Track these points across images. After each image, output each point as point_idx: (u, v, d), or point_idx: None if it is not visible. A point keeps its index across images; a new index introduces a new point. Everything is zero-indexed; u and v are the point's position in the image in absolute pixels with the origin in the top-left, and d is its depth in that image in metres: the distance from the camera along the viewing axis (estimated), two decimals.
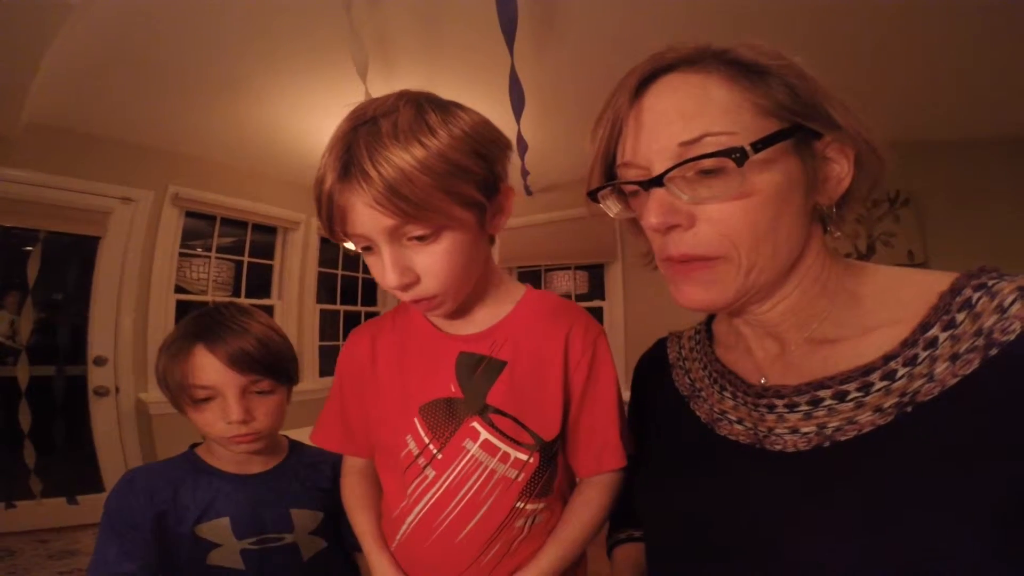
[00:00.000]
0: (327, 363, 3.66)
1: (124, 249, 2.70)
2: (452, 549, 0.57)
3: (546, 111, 2.34)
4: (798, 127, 0.42)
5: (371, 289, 4.19)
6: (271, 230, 3.46)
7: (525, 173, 3.00)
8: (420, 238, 0.52)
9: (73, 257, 2.67)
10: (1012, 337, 0.36)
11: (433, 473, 0.58)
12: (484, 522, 0.57)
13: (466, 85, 2.22)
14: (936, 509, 0.34)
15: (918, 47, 1.89)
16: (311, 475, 0.83)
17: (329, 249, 3.76)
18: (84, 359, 2.60)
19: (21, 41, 1.68)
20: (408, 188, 0.48)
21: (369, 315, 4.07)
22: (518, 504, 0.58)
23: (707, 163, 0.42)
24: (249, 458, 0.79)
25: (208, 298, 3.05)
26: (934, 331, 0.40)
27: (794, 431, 0.44)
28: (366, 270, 4.08)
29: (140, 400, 2.68)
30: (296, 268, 3.52)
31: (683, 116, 0.43)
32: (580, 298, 3.69)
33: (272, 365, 0.76)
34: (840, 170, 0.45)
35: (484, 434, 0.58)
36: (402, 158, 0.48)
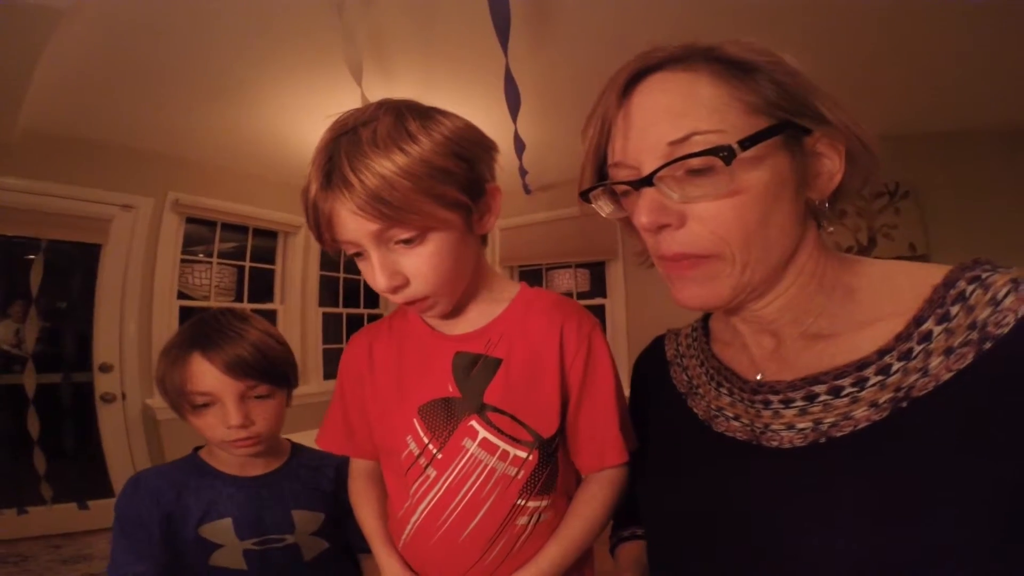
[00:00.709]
0: (331, 366, 3.66)
1: (126, 256, 2.71)
2: (456, 547, 0.58)
3: (543, 109, 2.33)
4: (787, 123, 0.42)
5: (373, 291, 4.17)
6: (272, 234, 3.47)
7: (524, 172, 2.99)
8: (406, 241, 0.54)
9: (76, 265, 2.68)
10: (1006, 330, 0.36)
11: (434, 473, 0.59)
12: (486, 520, 0.58)
13: (462, 85, 2.21)
14: (933, 505, 0.34)
15: (919, 38, 1.88)
16: (312, 477, 0.84)
17: None
18: (90, 366, 2.62)
19: (12, 48, 1.68)
20: (389, 193, 0.50)
21: (372, 317, 4.08)
22: (519, 501, 0.58)
23: (696, 162, 0.42)
24: (250, 460, 0.80)
25: (211, 304, 3.06)
26: (928, 324, 0.40)
27: (790, 427, 0.44)
28: None
29: (147, 405, 2.70)
30: (298, 272, 3.52)
31: (671, 115, 0.43)
32: (581, 296, 3.68)
33: (269, 370, 0.77)
34: (831, 165, 0.45)
35: (483, 432, 0.59)
36: (382, 164, 0.50)
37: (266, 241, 3.45)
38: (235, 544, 0.74)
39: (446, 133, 0.54)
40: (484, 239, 0.65)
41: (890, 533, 0.35)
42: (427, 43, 1.94)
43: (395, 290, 0.56)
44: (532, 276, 3.89)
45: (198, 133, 2.63)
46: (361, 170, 0.50)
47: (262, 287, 3.43)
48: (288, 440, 0.89)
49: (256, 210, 3.27)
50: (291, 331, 3.42)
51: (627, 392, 0.68)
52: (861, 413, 0.40)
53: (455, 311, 0.64)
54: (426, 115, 0.56)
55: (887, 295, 0.44)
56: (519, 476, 0.58)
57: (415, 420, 0.61)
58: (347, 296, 3.96)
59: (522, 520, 0.59)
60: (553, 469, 0.61)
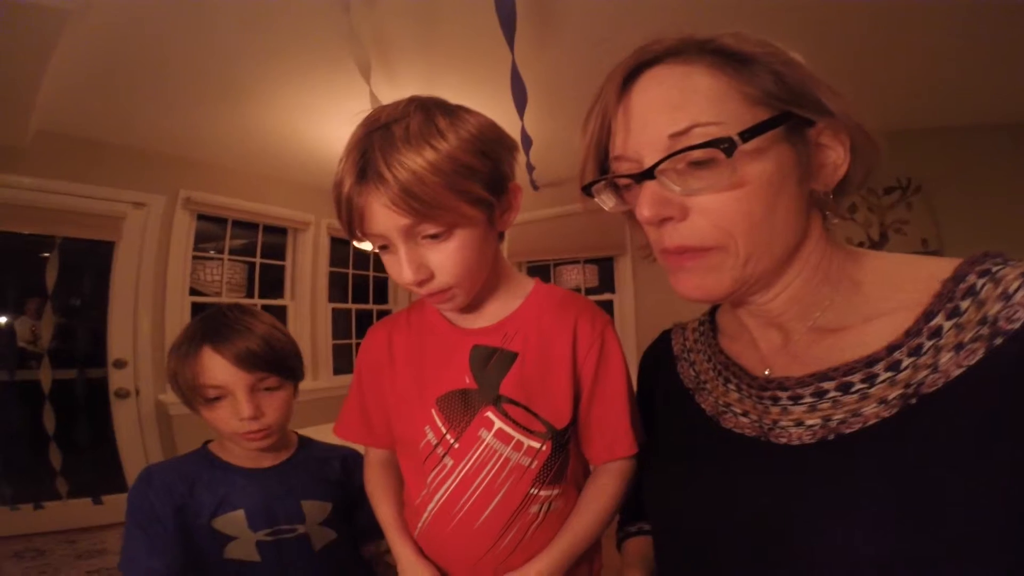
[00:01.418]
0: (340, 361, 3.70)
1: (139, 253, 2.75)
2: (471, 535, 0.60)
3: (550, 105, 2.33)
4: (788, 115, 0.42)
5: (382, 287, 4.22)
6: (282, 231, 3.50)
7: (531, 168, 2.99)
8: (433, 236, 0.55)
9: (89, 262, 2.72)
10: (1017, 326, 0.35)
11: (451, 462, 0.61)
12: (500, 508, 0.59)
13: (468, 82, 2.22)
14: (943, 503, 0.34)
15: (927, 31, 1.85)
16: (320, 468, 0.86)
17: (340, 248, 3.79)
18: (104, 362, 2.66)
19: (22, 50, 1.70)
20: (420, 188, 0.51)
21: (381, 313, 4.10)
22: (532, 490, 0.60)
23: (697, 154, 0.42)
24: (260, 453, 0.81)
25: (223, 300, 3.09)
26: (938, 320, 0.39)
27: (799, 424, 0.44)
28: (377, 268, 4.11)
29: (160, 401, 2.73)
30: (308, 268, 3.55)
31: (670, 108, 0.43)
32: (590, 291, 3.68)
33: (277, 362, 0.79)
34: (836, 156, 0.44)
35: (498, 423, 0.60)
36: (414, 161, 0.51)
37: (276, 238, 3.48)
38: (248, 536, 0.75)
39: (472, 131, 0.56)
40: (502, 235, 0.66)
41: (909, 529, 0.35)
42: (431, 41, 1.94)
43: (420, 283, 0.57)
44: (540, 271, 3.88)
45: (208, 132, 2.65)
46: (395, 165, 0.51)
47: (272, 283, 3.46)
48: (295, 432, 0.91)
49: (266, 207, 3.30)
50: (301, 326, 3.45)
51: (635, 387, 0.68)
52: (871, 410, 0.40)
53: (473, 306, 0.65)
54: (453, 113, 0.57)
55: (893, 288, 0.44)
56: (532, 466, 0.60)
57: (433, 411, 0.62)
58: (356, 292, 3.99)
59: (534, 508, 0.60)
60: (564, 459, 0.63)
